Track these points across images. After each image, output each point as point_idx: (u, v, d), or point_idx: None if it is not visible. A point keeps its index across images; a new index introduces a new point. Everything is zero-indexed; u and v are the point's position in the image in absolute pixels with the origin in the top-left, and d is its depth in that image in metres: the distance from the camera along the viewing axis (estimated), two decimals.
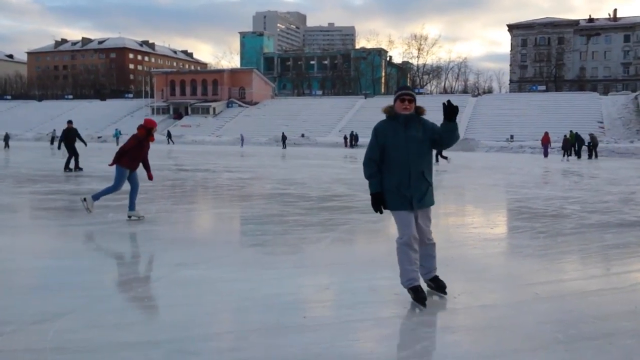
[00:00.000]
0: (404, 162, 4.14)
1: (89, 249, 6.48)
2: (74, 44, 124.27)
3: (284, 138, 47.11)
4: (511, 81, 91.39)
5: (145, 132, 8.26)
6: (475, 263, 5.67)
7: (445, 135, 4.23)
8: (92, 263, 5.57)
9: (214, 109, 72.37)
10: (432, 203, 4.30)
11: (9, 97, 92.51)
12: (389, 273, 5.16)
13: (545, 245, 6.68)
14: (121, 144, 8.97)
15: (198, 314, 3.94)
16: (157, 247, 6.42)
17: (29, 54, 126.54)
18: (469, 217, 9.67)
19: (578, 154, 32.30)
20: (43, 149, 35.22)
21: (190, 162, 23.75)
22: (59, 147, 18.18)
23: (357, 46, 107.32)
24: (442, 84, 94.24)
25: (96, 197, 8.41)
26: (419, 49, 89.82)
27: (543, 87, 72.57)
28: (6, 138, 38.36)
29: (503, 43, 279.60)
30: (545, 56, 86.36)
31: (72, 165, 16.83)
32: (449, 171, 20.00)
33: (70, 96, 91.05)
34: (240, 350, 3.30)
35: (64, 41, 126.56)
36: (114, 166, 8.35)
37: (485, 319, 3.94)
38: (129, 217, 8.04)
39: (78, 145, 17.28)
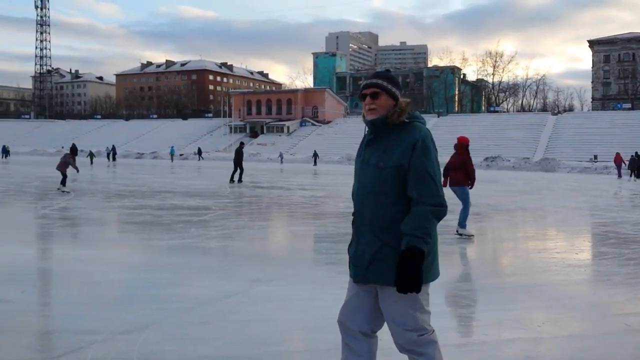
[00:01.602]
0: (354, 197, 2.61)
1: (170, 262, 6.74)
2: (159, 66, 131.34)
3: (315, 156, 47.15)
4: (593, 99, 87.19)
5: (463, 149, 8.49)
6: (559, 290, 5.41)
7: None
8: (173, 276, 5.80)
9: (288, 127, 73.86)
10: (389, 281, 2.37)
11: (99, 116, 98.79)
12: (465, 298, 5.03)
13: (636, 273, 6.28)
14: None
15: (274, 331, 4.00)
16: (234, 263, 6.59)
17: (117, 75, 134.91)
18: (552, 241, 9.25)
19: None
20: (130, 166, 37.20)
21: (265, 179, 24.29)
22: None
23: (430, 64, 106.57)
24: (520, 101, 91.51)
25: (462, 224, 8.53)
26: (494, 66, 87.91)
27: (628, 105, 68.67)
28: (90, 155, 41.27)
29: (584, 59, 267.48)
30: (630, 72, 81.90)
31: (236, 177, 20.19)
32: (528, 192, 19.27)
33: (155, 115, 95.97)
34: None
35: (149, 64, 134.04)
36: (449, 186, 8.34)
37: (571, 351, 3.75)
38: (459, 234, 8.30)
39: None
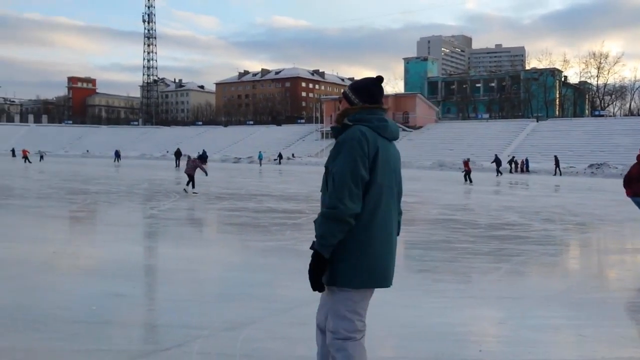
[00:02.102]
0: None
1: (267, 263, 6.96)
2: (254, 74, 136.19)
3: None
4: None
5: None
6: None
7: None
8: (270, 277, 5.99)
9: None
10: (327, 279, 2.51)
11: (200, 122, 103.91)
12: (569, 312, 4.79)
13: None
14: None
15: (368, 337, 4.00)
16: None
17: (217, 84, 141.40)
18: None
19: None
20: (227, 170, 38.74)
21: None
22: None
23: (528, 67, 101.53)
24: (627, 105, 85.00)
25: None
26: (598, 68, 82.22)
27: None
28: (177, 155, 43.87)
29: None
30: None
31: None
32: None
33: (251, 122, 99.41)
34: None
35: (246, 72, 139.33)
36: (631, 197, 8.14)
37: None
38: None
39: None
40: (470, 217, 12.24)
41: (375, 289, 2.61)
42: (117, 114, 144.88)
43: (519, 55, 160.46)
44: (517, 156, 50.73)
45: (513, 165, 46.32)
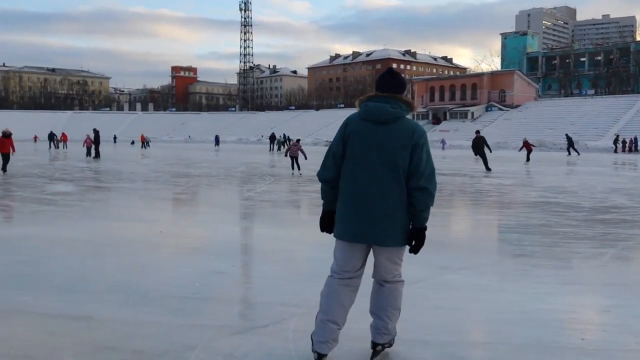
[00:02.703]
0: None
1: None
2: (346, 57, 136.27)
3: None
4: None
5: None
6: None
7: None
8: None
9: (472, 113, 71.20)
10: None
11: (292, 107, 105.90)
12: None
13: None
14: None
15: (466, 320, 3.97)
16: (422, 249, 6.62)
17: (309, 69, 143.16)
18: None
19: None
20: (319, 153, 39.28)
21: (447, 166, 23.83)
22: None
23: (639, 38, 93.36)
24: None
25: None
26: None
27: None
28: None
29: None
30: None
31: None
32: None
33: (342, 105, 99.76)
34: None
35: (337, 56, 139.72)
36: None
37: None
38: None
39: None
40: (573, 200, 11.60)
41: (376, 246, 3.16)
42: (216, 101, 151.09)
43: (628, 25, 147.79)
44: (626, 134, 47.09)
45: (620, 145, 43.09)
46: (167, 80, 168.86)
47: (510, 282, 5.11)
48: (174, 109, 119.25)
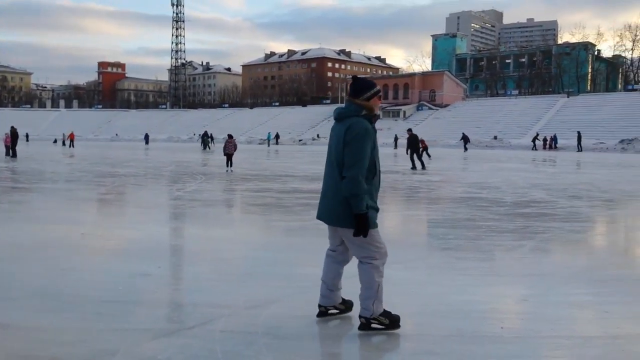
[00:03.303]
0: (379, 172, 3.57)
1: (291, 243, 7.02)
2: (281, 56, 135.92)
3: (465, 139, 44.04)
4: None
5: None
6: None
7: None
8: (294, 256, 6.05)
9: (404, 112, 72.99)
10: None
11: (226, 105, 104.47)
12: (594, 289, 4.74)
13: None
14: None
15: (394, 312, 4.02)
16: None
17: (243, 66, 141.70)
18: None
19: None
20: (253, 151, 39.00)
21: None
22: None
23: (560, 41, 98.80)
24: None
25: None
26: (633, 41, 79.70)
27: None
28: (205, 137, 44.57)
29: None
30: None
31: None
32: None
33: (277, 103, 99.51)
34: (436, 354, 3.30)
35: (272, 54, 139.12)
36: None
37: None
38: None
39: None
40: (496, 195, 12.10)
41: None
42: (145, 98, 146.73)
43: (551, 29, 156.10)
44: (547, 133, 49.72)
45: (539, 143, 45.57)
46: (93, 76, 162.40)
47: (436, 275, 5.25)
48: (101, 106, 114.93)
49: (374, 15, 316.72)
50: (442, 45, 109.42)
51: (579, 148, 42.08)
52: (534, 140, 45.89)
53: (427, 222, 9.15)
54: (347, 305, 3.87)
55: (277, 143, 57.54)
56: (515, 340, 3.51)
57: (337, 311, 3.84)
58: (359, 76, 3.71)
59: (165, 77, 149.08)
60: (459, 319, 3.88)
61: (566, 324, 3.79)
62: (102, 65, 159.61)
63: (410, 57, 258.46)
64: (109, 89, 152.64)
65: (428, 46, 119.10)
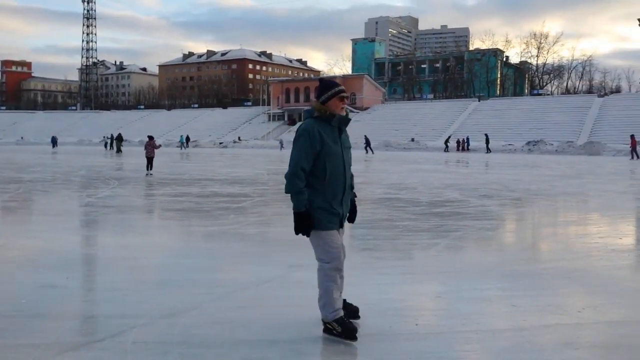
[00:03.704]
0: (340, 173, 3.54)
1: (210, 248, 6.88)
2: (200, 56, 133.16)
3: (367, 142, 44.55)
4: None
5: None
6: (601, 275, 5.27)
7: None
8: (213, 262, 5.92)
9: None
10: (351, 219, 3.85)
11: (142, 106, 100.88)
12: (503, 284, 4.98)
13: None
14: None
15: (312, 316, 4.03)
16: (272, 249, 6.69)
17: (160, 66, 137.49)
18: (594, 226, 8.99)
19: None
20: (171, 154, 37.93)
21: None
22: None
23: (471, 47, 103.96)
24: (565, 84, 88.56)
25: None
26: (538, 48, 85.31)
27: None
28: (118, 140, 42.87)
29: (633, 38, 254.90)
30: None
31: None
32: (571, 176, 18.75)
33: (196, 105, 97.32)
34: (354, 354, 3.34)
35: (190, 54, 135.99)
36: None
37: (612, 337, 3.66)
38: None
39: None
40: (413, 195, 12.49)
41: None
42: (54, 99, 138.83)
43: (463, 36, 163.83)
44: (460, 135, 52.04)
45: (450, 145, 47.79)
46: None
47: (356, 275, 5.30)
48: (4, 108, 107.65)
49: (294, 17, 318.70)
50: (361, 50, 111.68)
51: (488, 150, 44.38)
52: (446, 143, 47.93)
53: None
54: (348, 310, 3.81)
55: (187, 146, 55.84)
56: (429, 337, 3.62)
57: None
58: (322, 77, 3.87)
59: (75, 76, 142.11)
60: (376, 317, 3.95)
61: (477, 319, 3.95)
62: (5, 64, 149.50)
63: (331, 60, 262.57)
64: (13, 89, 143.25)
65: (348, 50, 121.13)
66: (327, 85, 3.60)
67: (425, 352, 3.36)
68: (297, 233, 3.54)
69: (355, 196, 3.89)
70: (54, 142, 54.08)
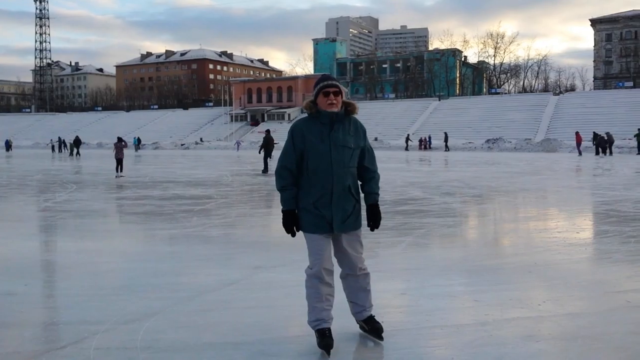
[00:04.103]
0: (325, 173, 3.31)
1: (173, 252, 6.77)
2: (158, 56, 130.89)
3: None
4: (595, 78, 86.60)
5: None
6: (560, 269, 5.43)
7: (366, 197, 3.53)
8: (175, 265, 5.83)
9: (289, 115, 73.76)
10: (359, 225, 3.48)
11: (99, 108, 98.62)
12: (466, 279, 5.08)
13: (637, 250, 6.29)
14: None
15: (277, 317, 4.03)
16: (236, 250, 6.63)
17: (117, 67, 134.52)
18: (553, 221, 9.25)
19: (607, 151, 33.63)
20: (131, 157, 37.17)
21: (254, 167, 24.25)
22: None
23: (431, 47, 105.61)
24: (521, 82, 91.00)
25: None
26: (495, 48, 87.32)
27: (630, 84, 68.09)
28: (75, 143, 42.09)
29: (585, 38, 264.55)
30: (632, 51, 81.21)
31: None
32: (529, 173, 19.25)
33: (156, 106, 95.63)
34: (320, 353, 3.34)
35: (148, 54, 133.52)
36: None
37: (572, 328, 3.77)
38: None
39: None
40: None
41: None
42: (6, 101, 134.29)
43: (422, 36, 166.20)
44: (422, 134, 52.80)
45: (412, 143, 48.52)
46: None
47: None
48: None
49: (254, 17, 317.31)
50: (323, 50, 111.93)
51: (447, 148, 45.20)
52: (406, 141, 48.57)
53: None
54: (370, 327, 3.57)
55: (139, 148, 54.89)
56: (395, 333, 3.65)
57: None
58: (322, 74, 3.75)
59: (29, 78, 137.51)
60: (343, 316, 3.95)
61: (441, 314, 4.02)
62: None
63: (293, 60, 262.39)
64: None
65: (309, 50, 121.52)
66: (316, 82, 3.44)
67: (391, 349, 3.39)
68: (287, 232, 3.44)
69: (374, 201, 3.51)
70: (8, 145, 52.29)
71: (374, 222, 3.53)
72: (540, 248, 6.53)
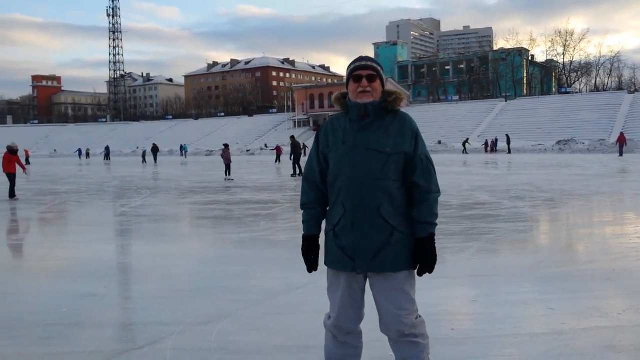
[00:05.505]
0: (346, 183, 2.41)
1: (242, 255, 6.93)
2: (224, 65, 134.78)
3: None
4: None
5: None
6: None
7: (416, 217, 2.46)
8: (245, 269, 5.97)
9: None
10: (403, 266, 2.42)
11: (170, 117, 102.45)
12: (539, 286, 4.91)
13: None
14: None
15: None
16: None
17: (186, 77, 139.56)
18: (631, 226, 8.76)
19: None
20: (200, 163, 38.40)
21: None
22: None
23: (496, 47, 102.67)
24: (593, 81, 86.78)
25: None
26: (564, 46, 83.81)
27: None
28: (144, 155, 43.65)
29: None
30: None
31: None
32: (604, 175, 18.33)
33: (222, 114, 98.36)
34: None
35: (215, 64, 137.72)
36: None
37: None
38: None
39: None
40: (443, 198, 12.27)
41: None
42: (84, 112, 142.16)
43: (486, 36, 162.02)
44: (488, 136, 51.44)
45: (469, 146, 47.33)
46: (27, 91, 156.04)
47: None
48: (37, 121, 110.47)
49: (314, 24, 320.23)
50: (384, 53, 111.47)
51: (509, 150, 43.80)
52: (464, 145, 47.41)
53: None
54: None
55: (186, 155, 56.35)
56: (466, 341, 3.59)
57: None
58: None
59: (104, 89, 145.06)
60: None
61: (514, 322, 3.90)
62: (36, 79, 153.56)
63: None
64: (45, 103, 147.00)
65: (370, 54, 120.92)
66: (348, 65, 2.55)
67: (462, 358, 3.33)
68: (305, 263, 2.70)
69: (426, 233, 2.44)
70: (86, 154, 55.47)
71: (424, 263, 2.45)
72: (618, 254, 6.21)
